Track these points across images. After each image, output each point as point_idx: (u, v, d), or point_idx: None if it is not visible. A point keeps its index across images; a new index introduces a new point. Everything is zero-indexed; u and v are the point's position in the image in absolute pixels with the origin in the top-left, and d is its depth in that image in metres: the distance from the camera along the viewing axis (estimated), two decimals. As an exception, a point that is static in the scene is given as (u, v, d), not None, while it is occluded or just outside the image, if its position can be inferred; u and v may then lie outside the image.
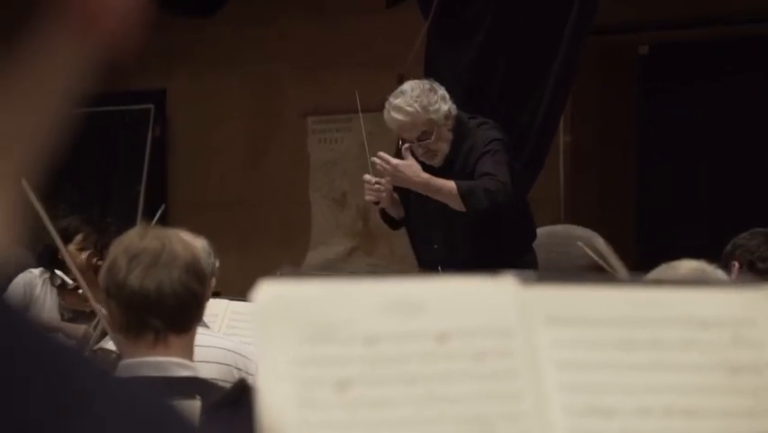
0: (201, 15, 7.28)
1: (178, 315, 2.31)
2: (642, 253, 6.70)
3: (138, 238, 2.35)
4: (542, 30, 5.36)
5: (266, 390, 0.92)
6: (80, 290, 5.06)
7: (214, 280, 3.27)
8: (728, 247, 3.52)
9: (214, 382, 2.37)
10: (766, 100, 6.91)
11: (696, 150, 7.07)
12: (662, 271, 2.32)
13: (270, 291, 0.95)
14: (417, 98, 4.54)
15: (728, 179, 7.01)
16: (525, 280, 0.97)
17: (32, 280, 5.16)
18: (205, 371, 2.44)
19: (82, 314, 5.04)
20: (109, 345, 2.55)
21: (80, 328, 4.93)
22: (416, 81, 4.63)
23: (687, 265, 2.29)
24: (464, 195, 4.39)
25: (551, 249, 4.76)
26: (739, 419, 0.95)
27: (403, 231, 5.86)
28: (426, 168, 4.58)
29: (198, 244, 3.21)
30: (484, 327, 0.95)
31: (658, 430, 0.94)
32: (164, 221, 4.69)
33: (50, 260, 5.18)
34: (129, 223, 8.39)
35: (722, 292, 0.99)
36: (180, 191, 7.76)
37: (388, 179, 4.57)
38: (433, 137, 4.53)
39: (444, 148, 4.57)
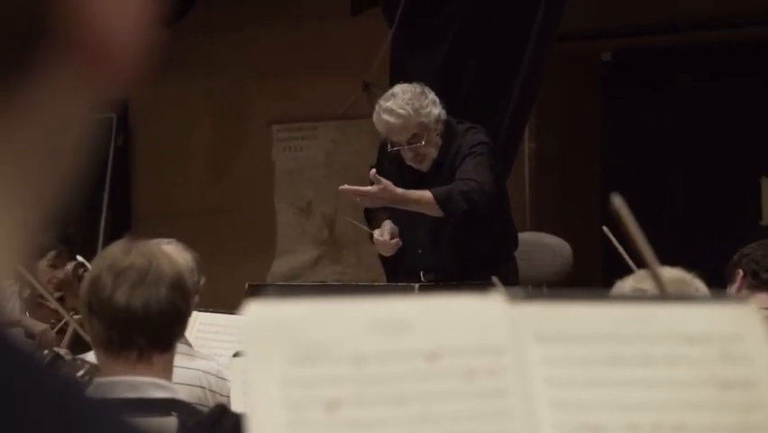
0: (166, 24, 7.25)
1: (162, 333, 2.30)
2: (607, 260, 6.73)
3: (122, 254, 2.32)
4: (507, 37, 5.37)
5: (256, 411, 0.92)
6: (49, 303, 5.03)
7: (197, 298, 3.23)
8: (736, 257, 3.57)
9: (192, 404, 2.35)
10: (729, 105, 6.97)
11: (660, 155, 7.12)
12: (641, 277, 2.27)
13: (258, 312, 0.94)
14: (409, 101, 4.53)
15: (693, 184, 7.06)
16: (514, 298, 0.97)
17: None
18: (180, 393, 2.41)
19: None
20: (89, 356, 2.52)
21: (40, 325, 4.90)
22: (407, 84, 4.61)
23: (666, 273, 2.27)
24: (442, 202, 4.40)
25: (520, 257, 4.77)
26: (728, 434, 0.95)
27: (368, 240, 5.85)
28: (414, 173, 4.59)
29: (183, 258, 3.17)
30: (474, 345, 0.95)
31: (648, 447, 0.94)
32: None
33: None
34: (92, 233, 8.32)
35: (710, 308, 0.99)
36: (145, 200, 7.71)
37: (361, 199, 4.54)
38: (423, 141, 4.52)
39: (433, 153, 4.56)
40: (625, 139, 7.19)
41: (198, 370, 3.05)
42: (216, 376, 3.06)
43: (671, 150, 7.09)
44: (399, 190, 4.41)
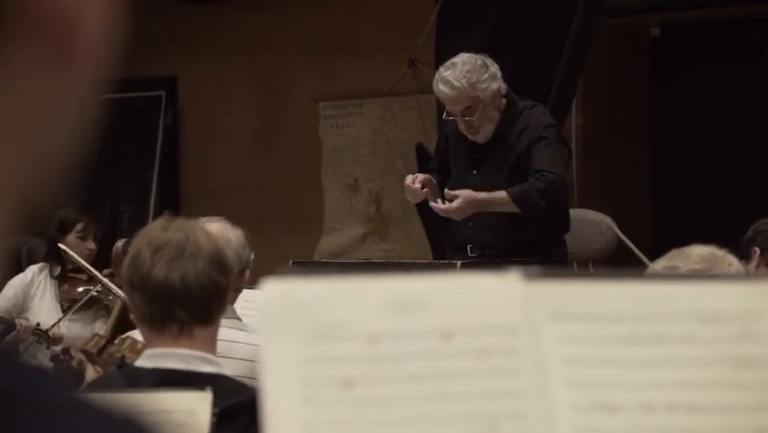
0: (213, 2, 7.28)
1: (202, 306, 2.32)
2: (656, 236, 6.69)
3: (161, 230, 2.35)
4: (552, 12, 5.34)
5: (271, 388, 0.93)
6: (81, 276, 5.12)
7: (247, 273, 3.24)
8: (749, 233, 3.51)
9: (239, 379, 2.37)
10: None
11: (709, 131, 7.04)
12: (673, 256, 2.29)
13: (275, 291, 0.95)
14: (467, 74, 4.50)
15: (742, 161, 6.98)
16: (530, 276, 0.97)
17: (27, 278, 5.23)
18: (230, 367, 2.44)
19: (81, 303, 5.09)
20: (136, 334, 2.55)
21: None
22: (470, 55, 4.57)
23: (698, 251, 2.27)
24: (520, 202, 4.38)
25: (564, 233, 4.74)
26: (744, 413, 0.95)
27: (416, 217, 5.85)
28: (472, 143, 4.58)
29: (234, 234, 3.19)
30: (488, 324, 0.95)
31: (662, 426, 0.94)
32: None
33: (50, 251, 5.29)
34: (141, 209, 8.40)
35: (728, 286, 0.99)
36: (192, 177, 7.77)
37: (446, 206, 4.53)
38: (477, 114, 4.50)
39: (488, 127, 4.54)
40: (673, 114, 7.12)
41: (252, 344, 3.07)
42: None
43: (720, 125, 7.00)
44: (480, 195, 4.42)
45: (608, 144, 7.04)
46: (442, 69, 4.58)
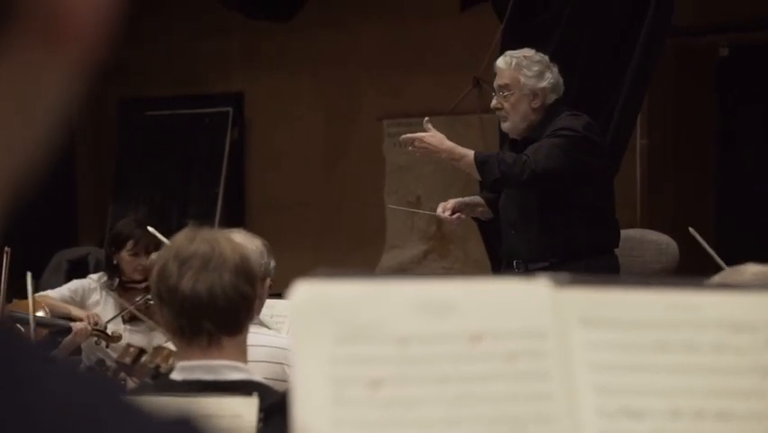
0: (279, 19, 7.35)
1: (229, 317, 2.33)
2: (720, 259, 6.60)
3: (187, 242, 2.37)
4: (618, 32, 5.31)
5: (301, 388, 0.94)
6: (138, 286, 5.16)
7: (269, 281, 3.28)
8: None
9: (267, 383, 2.38)
10: None
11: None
12: (728, 273, 2.29)
13: (306, 291, 0.97)
14: (522, 59, 4.63)
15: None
16: (559, 282, 0.98)
17: (90, 285, 5.27)
18: (257, 370, 2.46)
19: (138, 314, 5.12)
20: (170, 344, 2.58)
21: (82, 315, 5.00)
22: (536, 51, 4.72)
23: (752, 269, 2.26)
24: (479, 163, 4.47)
25: (624, 253, 4.72)
26: (773, 423, 0.94)
27: (477, 235, 5.85)
28: (511, 147, 4.65)
29: (253, 244, 3.23)
30: (517, 328, 0.96)
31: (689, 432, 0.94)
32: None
33: (107, 264, 5.32)
34: (207, 224, 8.50)
35: (758, 296, 0.99)
36: (257, 193, 7.83)
37: (414, 149, 4.62)
38: (510, 97, 4.56)
39: (517, 121, 4.59)
40: (740, 137, 7.05)
41: (275, 347, 3.09)
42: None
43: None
44: (449, 142, 4.52)
45: (674, 165, 6.99)
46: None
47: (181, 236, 2.41)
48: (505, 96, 4.59)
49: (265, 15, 7.33)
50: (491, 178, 4.48)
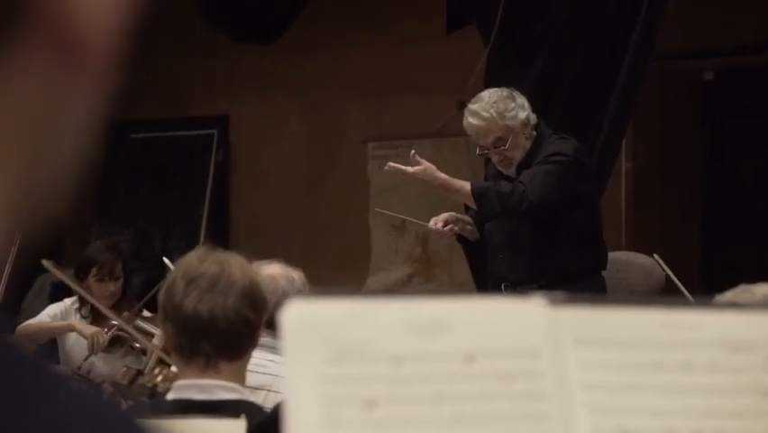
0: (263, 42, 7.35)
1: (229, 341, 2.30)
2: (705, 281, 6.62)
3: (198, 261, 2.35)
4: (602, 54, 5.33)
5: (293, 407, 0.93)
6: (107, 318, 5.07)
7: None
8: None
9: (257, 404, 2.37)
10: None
11: (761, 177, 6.97)
12: (740, 292, 2.30)
13: (298, 311, 0.95)
14: (494, 104, 4.56)
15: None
16: (554, 301, 0.97)
17: (66, 308, 5.20)
18: (250, 395, 2.43)
19: (113, 340, 5.05)
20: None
21: (91, 328, 4.96)
22: (496, 89, 4.65)
23: (763, 289, 2.27)
24: (477, 197, 4.45)
25: (610, 275, 4.72)
26: (771, 443, 0.93)
27: (462, 258, 5.84)
28: (504, 177, 4.61)
29: (292, 274, 3.19)
30: (511, 347, 0.95)
31: (686, 454, 0.93)
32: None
33: (67, 293, 5.25)
34: (191, 247, 8.45)
35: (755, 315, 0.98)
36: (242, 215, 7.81)
37: (407, 173, 4.60)
38: (508, 144, 4.53)
39: (517, 156, 4.57)
40: (724, 159, 7.07)
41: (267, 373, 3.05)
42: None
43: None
44: (442, 175, 4.49)
45: (659, 187, 7.00)
46: (469, 103, 4.66)
47: (193, 255, 2.39)
48: (504, 148, 4.55)
49: (250, 38, 7.33)
50: (491, 211, 4.45)
